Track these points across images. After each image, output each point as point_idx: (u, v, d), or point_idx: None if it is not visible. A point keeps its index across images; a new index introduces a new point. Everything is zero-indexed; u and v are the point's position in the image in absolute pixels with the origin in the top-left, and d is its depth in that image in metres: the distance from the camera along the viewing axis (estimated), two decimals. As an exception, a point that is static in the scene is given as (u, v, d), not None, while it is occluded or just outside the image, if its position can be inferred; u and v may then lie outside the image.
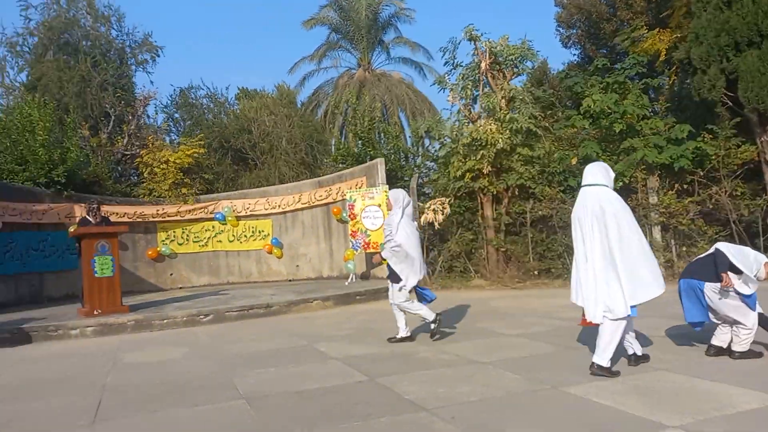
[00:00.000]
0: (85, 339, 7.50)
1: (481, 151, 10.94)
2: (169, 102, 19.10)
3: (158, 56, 19.16)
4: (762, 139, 11.09)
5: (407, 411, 3.67)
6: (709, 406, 3.41)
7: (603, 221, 4.17)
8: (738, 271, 4.30)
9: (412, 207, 6.34)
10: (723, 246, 4.48)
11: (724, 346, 4.55)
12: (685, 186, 10.94)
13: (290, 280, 13.58)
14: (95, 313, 8.06)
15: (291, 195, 13.85)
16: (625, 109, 10.84)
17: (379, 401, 3.91)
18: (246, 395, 4.24)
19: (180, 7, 63.71)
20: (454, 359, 5.07)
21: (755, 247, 6.54)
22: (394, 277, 5.88)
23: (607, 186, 4.34)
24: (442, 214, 11.03)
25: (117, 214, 12.32)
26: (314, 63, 25.89)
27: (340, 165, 14.70)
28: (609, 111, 10.91)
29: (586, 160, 10.50)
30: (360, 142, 14.75)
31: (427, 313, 5.90)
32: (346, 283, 11.24)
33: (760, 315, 4.42)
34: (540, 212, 11.03)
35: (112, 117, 16.47)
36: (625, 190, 10.43)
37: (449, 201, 11.41)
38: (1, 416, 4.08)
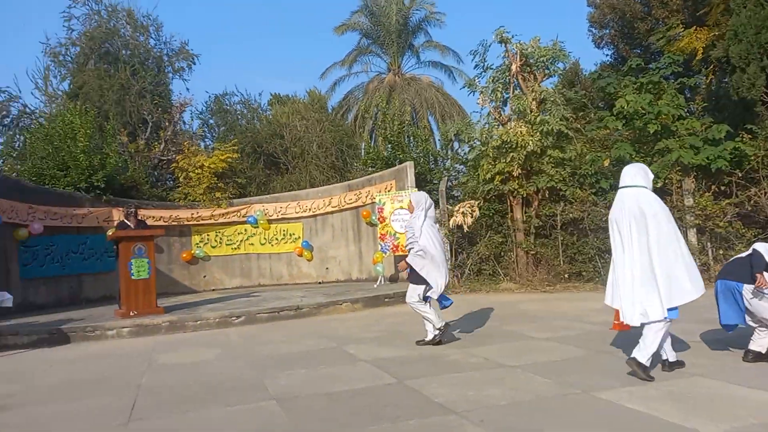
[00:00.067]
0: (122, 340, 7.72)
1: (511, 154, 10.86)
2: (204, 108, 19.60)
3: (194, 64, 19.60)
4: (804, 138, 10.71)
5: (436, 414, 3.67)
6: (746, 413, 3.32)
7: (642, 223, 4.12)
8: (775, 273, 4.19)
9: (434, 210, 6.29)
10: (761, 246, 4.39)
11: (763, 351, 4.42)
12: (723, 187, 10.62)
13: (320, 283, 13.71)
14: (131, 314, 8.29)
15: (321, 198, 13.99)
16: (659, 110, 10.59)
17: (408, 404, 3.93)
18: (276, 396, 4.30)
19: (216, 17, 65.16)
20: (483, 362, 5.05)
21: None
22: (416, 278, 5.87)
23: (645, 187, 4.28)
24: (471, 217, 10.98)
25: (153, 217, 12.64)
26: (345, 68, 26.23)
27: (370, 169, 14.78)
28: (643, 112, 10.70)
29: (619, 161, 10.31)
30: (389, 145, 14.81)
31: (436, 319, 5.88)
32: (375, 286, 11.29)
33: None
34: (571, 215, 10.87)
35: (150, 123, 16.96)
36: (659, 192, 10.11)
37: (478, 204, 11.35)
38: (40, 418, 4.23)
